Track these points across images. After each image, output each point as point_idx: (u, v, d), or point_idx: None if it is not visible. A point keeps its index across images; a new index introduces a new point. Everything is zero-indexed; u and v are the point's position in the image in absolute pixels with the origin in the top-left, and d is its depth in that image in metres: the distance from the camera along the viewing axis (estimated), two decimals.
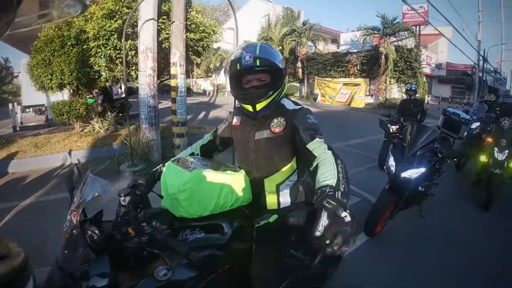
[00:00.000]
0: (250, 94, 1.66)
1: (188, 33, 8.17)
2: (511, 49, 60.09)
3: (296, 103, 1.81)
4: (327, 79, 24.21)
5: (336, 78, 23.96)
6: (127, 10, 7.43)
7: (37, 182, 6.17)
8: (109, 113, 9.62)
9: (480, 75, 32.66)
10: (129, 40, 7.72)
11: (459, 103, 27.63)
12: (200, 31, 8.71)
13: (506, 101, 5.99)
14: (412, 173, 3.70)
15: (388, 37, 20.19)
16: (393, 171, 3.82)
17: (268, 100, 1.67)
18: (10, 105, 12.24)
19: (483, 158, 5.41)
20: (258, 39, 28.93)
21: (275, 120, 1.71)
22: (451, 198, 5.39)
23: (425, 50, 26.36)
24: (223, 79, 34.74)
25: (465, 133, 5.86)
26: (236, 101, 1.89)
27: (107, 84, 10.67)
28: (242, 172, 1.74)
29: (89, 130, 8.76)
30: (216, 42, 9.94)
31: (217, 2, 52.41)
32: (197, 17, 8.67)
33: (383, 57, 20.31)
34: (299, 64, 25.88)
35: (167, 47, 7.60)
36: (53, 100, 9.46)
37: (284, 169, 1.75)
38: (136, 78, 7.86)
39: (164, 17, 7.77)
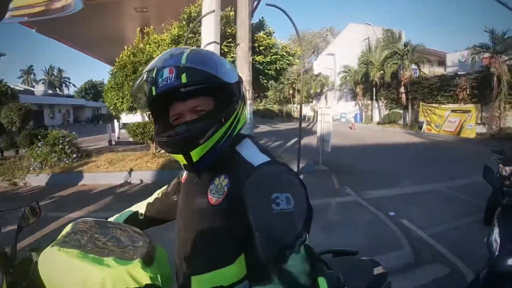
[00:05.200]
0: (176, 137, 0.95)
1: (256, 56, 8.03)
2: None
3: (263, 151, 1.03)
4: (433, 105, 21.73)
5: (444, 104, 21.39)
6: (190, 35, 7.64)
7: (96, 197, 6.58)
8: None
9: None
10: None
11: None
12: (271, 54, 8.51)
13: None
14: None
15: (499, 55, 17.33)
16: (496, 253, 2.41)
17: (208, 144, 0.96)
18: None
19: None
20: (358, 63, 28.04)
21: (216, 181, 1.00)
22: None
23: None
24: (323, 104, 34.39)
25: None
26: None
27: None
28: (135, 264, 0.96)
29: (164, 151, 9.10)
30: (291, 65, 9.62)
31: (318, 28, 53.26)
32: (269, 39, 8.51)
33: (495, 78, 17.31)
34: (402, 89, 24.03)
35: None
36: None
37: (224, 270, 0.98)
38: None
39: (230, 39, 7.78)
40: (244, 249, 0.98)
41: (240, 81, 1.04)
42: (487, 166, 3.27)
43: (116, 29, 15.38)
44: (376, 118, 28.45)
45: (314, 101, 39.00)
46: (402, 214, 5.48)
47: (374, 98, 28.11)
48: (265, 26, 8.85)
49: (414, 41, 24.53)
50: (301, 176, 7.52)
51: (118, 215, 1.38)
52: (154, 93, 0.94)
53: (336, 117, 32.75)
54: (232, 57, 7.73)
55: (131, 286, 0.92)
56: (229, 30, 7.81)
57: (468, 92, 20.15)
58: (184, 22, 8.23)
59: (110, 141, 13.62)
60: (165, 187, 1.39)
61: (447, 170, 9.24)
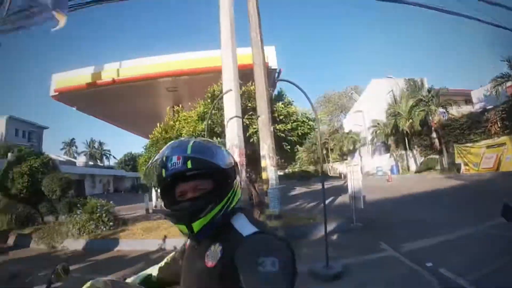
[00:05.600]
0: (181, 211, 1.17)
1: (277, 125, 8.56)
2: None
3: (253, 223, 1.21)
4: (467, 144, 21.40)
5: (478, 141, 20.98)
6: (214, 111, 8.32)
7: (130, 262, 6.94)
8: None
9: None
10: (218, 138, 8.50)
11: None
12: (292, 121, 9.03)
13: None
14: None
15: None
16: None
17: (207, 218, 1.16)
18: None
19: None
20: (386, 116, 28.29)
21: (212, 248, 1.18)
22: None
23: None
24: (357, 160, 34.43)
25: None
26: None
27: None
28: None
29: None
30: (313, 129, 10.02)
31: (342, 87, 55.56)
32: (288, 107, 9.09)
33: None
34: (434, 135, 23.83)
35: (255, 141, 8.08)
36: None
37: None
38: None
39: (251, 113, 8.39)
40: None
41: (235, 164, 1.27)
42: (506, 205, 3.01)
43: (150, 107, 16.74)
44: (413, 167, 27.91)
45: (348, 158, 39.16)
46: (440, 263, 5.23)
47: (407, 147, 27.84)
48: (284, 96, 9.55)
49: (437, 85, 24.74)
50: (335, 236, 7.60)
51: (135, 276, 1.56)
52: (164, 175, 1.18)
53: (373, 171, 32.50)
54: (254, 128, 8.27)
55: None
56: (249, 104, 8.46)
57: (499, 125, 19.84)
58: (208, 100, 9.03)
59: (147, 210, 14.15)
60: (174, 253, 1.57)
61: (488, 208, 8.87)
